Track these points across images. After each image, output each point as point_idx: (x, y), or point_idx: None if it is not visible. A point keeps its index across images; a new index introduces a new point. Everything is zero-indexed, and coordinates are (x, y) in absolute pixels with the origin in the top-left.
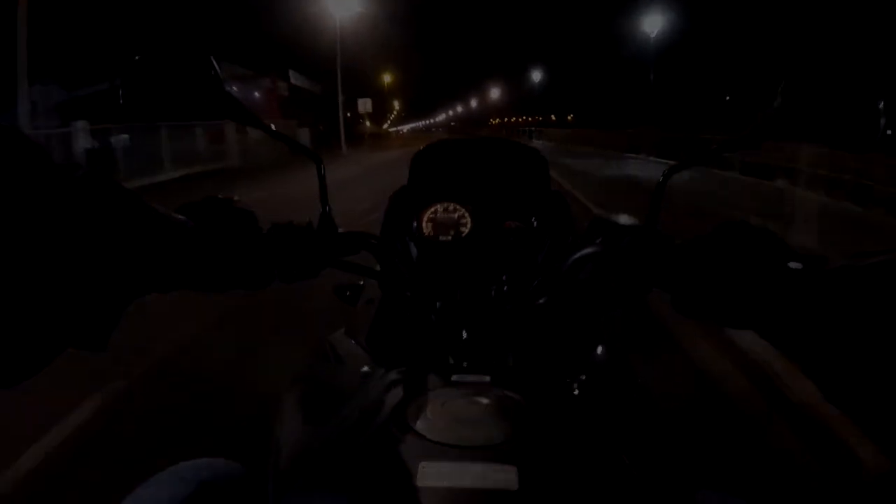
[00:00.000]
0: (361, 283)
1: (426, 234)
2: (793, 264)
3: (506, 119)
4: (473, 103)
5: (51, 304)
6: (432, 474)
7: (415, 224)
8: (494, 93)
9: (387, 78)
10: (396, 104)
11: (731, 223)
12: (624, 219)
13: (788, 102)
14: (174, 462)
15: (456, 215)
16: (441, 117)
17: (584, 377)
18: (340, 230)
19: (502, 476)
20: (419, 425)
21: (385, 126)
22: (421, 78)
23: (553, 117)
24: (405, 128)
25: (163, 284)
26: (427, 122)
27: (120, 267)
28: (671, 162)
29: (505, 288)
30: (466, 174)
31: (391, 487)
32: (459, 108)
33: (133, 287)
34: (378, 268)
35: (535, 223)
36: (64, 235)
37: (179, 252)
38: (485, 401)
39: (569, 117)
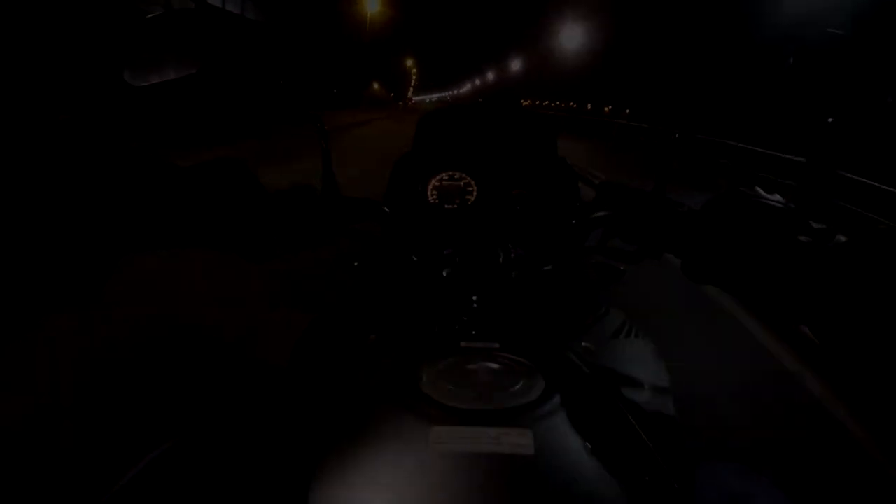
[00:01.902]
0: (366, 251)
1: (432, 201)
2: (803, 237)
3: (539, 101)
4: (517, 65)
5: (41, 258)
6: (445, 439)
7: (420, 192)
8: (570, 40)
9: (371, 3)
10: (410, 64)
11: (742, 191)
12: (630, 184)
13: None
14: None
15: (462, 183)
16: (466, 87)
17: (591, 343)
18: (345, 197)
19: (517, 440)
20: (430, 391)
21: (409, 94)
22: (445, 34)
23: (606, 109)
24: (430, 97)
25: (155, 241)
26: (453, 92)
27: (108, 221)
28: None
29: (512, 255)
30: (472, 141)
31: (404, 453)
32: (490, 76)
33: (124, 242)
34: (384, 235)
35: (540, 190)
36: (51, 190)
37: (172, 208)
38: (495, 366)
39: (626, 111)
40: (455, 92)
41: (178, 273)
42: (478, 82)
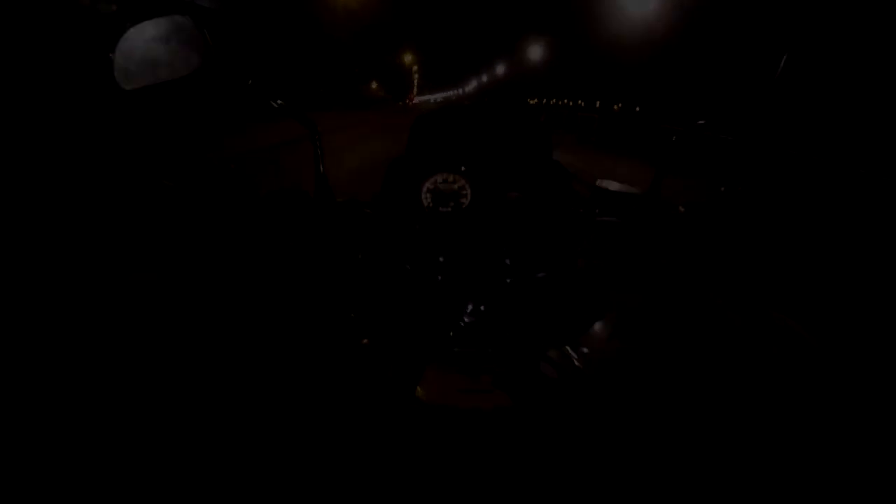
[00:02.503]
0: (360, 256)
1: (425, 205)
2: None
3: (548, 100)
4: (536, 54)
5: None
6: (441, 445)
7: (414, 195)
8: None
9: None
10: (409, 60)
11: (731, 192)
12: (624, 187)
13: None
14: None
15: (456, 186)
16: (473, 84)
17: (586, 348)
18: (338, 201)
19: (511, 448)
20: (425, 398)
21: (413, 93)
22: (450, 28)
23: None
24: (435, 97)
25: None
26: (458, 91)
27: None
28: None
29: (506, 260)
30: (466, 143)
31: (396, 457)
32: (501, 70)
33: (117, 258)
34: (377, 240)
35: (536, 193)
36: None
37: (166, 222)
38: (487, 373)
39: (616, 106)
40: (461, 91)
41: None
42: (485, 78)
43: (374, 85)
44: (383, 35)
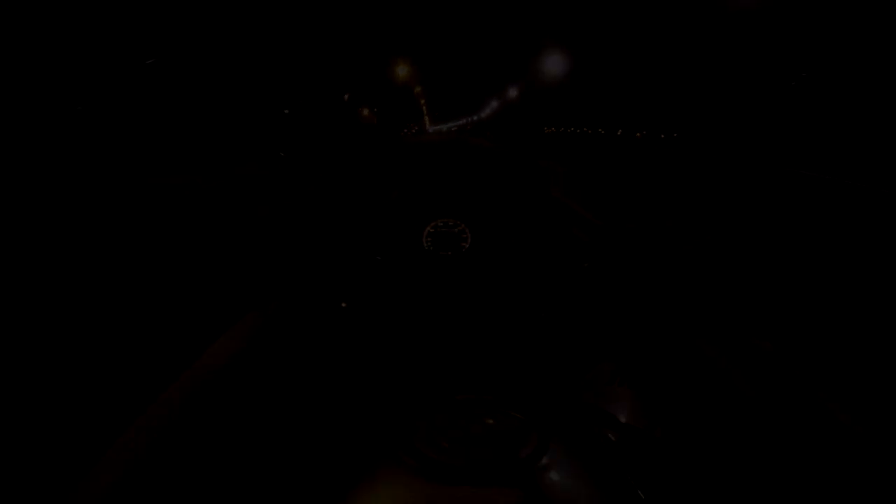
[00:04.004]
0: (360, 301)
1: (426, 248)
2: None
3: (566, 129)
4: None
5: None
6: (438, 499)
7: (415, 238)
8: None
9: None
10: (403, 73)
11: (729, 232)
12: (626, 224)
13: None
14: None
15: (456, 230)
16: (492, 106)
17: (584, 394)
18: (342, 245)
19: (510, 499)
20: (425, 447)
21: (424, 123)
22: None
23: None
24: (449, 126)
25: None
26: (472, 118)
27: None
28: None
29: (508, 304)
30: (464, 186)
31: None
32: (515, 92)
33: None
34: (377, 281)
35: (536, 236)
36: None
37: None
38: (490, 421)
39: (639, 134)
40: (474, 117)
41: None
42: (514, 92)
43: (365, 112)
44: (381, 52)
